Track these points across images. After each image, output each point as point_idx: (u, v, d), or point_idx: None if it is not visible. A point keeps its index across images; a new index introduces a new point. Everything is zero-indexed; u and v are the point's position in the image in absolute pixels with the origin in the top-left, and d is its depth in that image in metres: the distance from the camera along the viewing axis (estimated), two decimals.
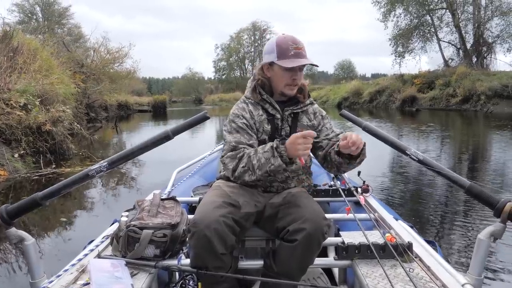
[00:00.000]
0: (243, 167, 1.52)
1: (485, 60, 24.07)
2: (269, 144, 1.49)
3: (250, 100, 1.72)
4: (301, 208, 1.50)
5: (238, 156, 1.55)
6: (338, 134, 1.71)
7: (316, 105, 1.80)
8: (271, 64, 1.64)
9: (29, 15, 34.51)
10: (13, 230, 1.30)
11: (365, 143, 1.52)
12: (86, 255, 1.56)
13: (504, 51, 23.67)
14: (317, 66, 1.66)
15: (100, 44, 20.42)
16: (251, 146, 1.59)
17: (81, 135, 8.94)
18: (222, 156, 1.63)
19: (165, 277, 1.72)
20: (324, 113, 1.79)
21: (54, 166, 6.37)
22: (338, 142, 1.57)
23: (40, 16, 34.93)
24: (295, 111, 1.70)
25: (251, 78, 1.78)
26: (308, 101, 1.75)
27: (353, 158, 1.55)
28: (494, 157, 7.15)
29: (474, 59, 24.01)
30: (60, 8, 34.80)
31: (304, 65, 1.63)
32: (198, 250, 1.40)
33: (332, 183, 2.36)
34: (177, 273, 1.63)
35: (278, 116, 1.67)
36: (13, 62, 8.70)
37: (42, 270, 1.35)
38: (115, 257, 1.54)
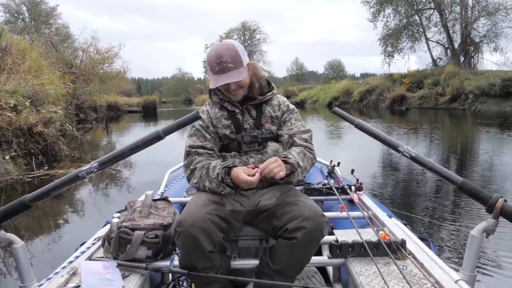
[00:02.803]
0: (196, 183, 1.61)
1: (472, 59, 24.41)
2: (217, 170, 1.53)
3: (209, 101, 1.79)
4: (299, 206, 1.49)
5: (191, 167, 1.63)
6: (294, 135, 1.70)
7: (282, 98, 1.81)
8: None
9: (15, 15, 33.96)
10: (1, 233, 1.27)
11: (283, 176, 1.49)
12: (77, 257, 1.54)
13: (491, 50, 24.06)
14: (239, 80, 1.60)
15: (89, 44, 20.21)
16: (203, 148, 1.66)
17: (71, 136, 8.84)
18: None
19: (158, 278, 1.70)
20: (290, 106, 1.79)
21: (46, 167, 6.29)
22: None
23: (27, 16, 34.41)
24: (255, 103, 1.73)
25: None
26: (270, 93, 1.76)
27: None
28: (483, 155, 7.25)
29: (462, 59, 24.33)
30: (47, 7, 34.36)
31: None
32: (186, 250, 1.39)
33: (325, 181, 2.36)
34: (169, 274, 1.61)
35: (237, 110, 1.71)
36: (2, 62, 8.57)
37: (32, 273, 1.32)
38: (106, 259, 1.52)
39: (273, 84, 1.82)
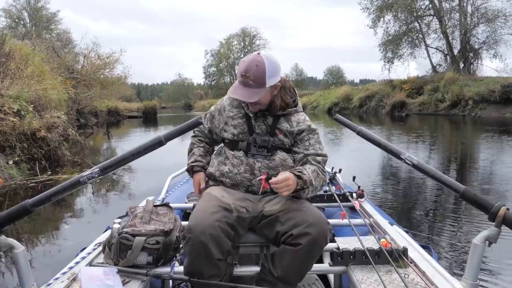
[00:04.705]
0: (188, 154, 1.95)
1: (472, 66, 24.47)
2: (192, 158, 1.90)
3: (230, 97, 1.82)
4: (303, 213, 1.49)
5: (190, 146, 1.98)
6: (309, 155, 1.68)
7: (304, 116, 1.77)
8: None
9: (17, 20, 34.09)
10: (2, 238, 1.26)
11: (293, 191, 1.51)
12: (77, 263, 1.53)
13: (490, 57, 24.11)
14: (252, 101, 1.62)
15: (90, 49, 20.25)
16: (201, 132, 1.94)
17: (72, 141, 8.84)
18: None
19: (158, 285, 1.69)
20: (312, 126, 1.75)
21: (49, 172, 6.27)
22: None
23: (28, 21, 34.53)
24: (271, 114, 1.72)
25: None
26: (290, 109, 1.72)
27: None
28: (484, 162, 7.23)
29: (461, 65, 24.39)
30: (48, 13, 34.49)
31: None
32: (194, 257, 1.39)
33: (327, 188, 2.35)
34: (170, 281, 1.61)
35: (251, 115, 1.72)
36: (5, 67, 8.59)
37: (32, 278, 1.32)
38: (107, 264, 1.51)
39: (298, 101, 1.78)
